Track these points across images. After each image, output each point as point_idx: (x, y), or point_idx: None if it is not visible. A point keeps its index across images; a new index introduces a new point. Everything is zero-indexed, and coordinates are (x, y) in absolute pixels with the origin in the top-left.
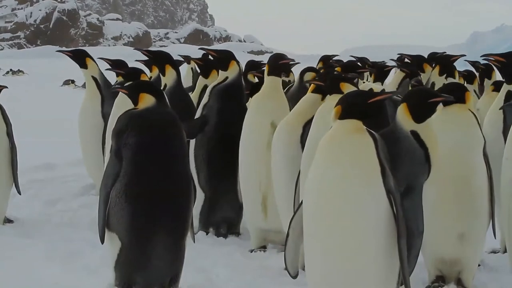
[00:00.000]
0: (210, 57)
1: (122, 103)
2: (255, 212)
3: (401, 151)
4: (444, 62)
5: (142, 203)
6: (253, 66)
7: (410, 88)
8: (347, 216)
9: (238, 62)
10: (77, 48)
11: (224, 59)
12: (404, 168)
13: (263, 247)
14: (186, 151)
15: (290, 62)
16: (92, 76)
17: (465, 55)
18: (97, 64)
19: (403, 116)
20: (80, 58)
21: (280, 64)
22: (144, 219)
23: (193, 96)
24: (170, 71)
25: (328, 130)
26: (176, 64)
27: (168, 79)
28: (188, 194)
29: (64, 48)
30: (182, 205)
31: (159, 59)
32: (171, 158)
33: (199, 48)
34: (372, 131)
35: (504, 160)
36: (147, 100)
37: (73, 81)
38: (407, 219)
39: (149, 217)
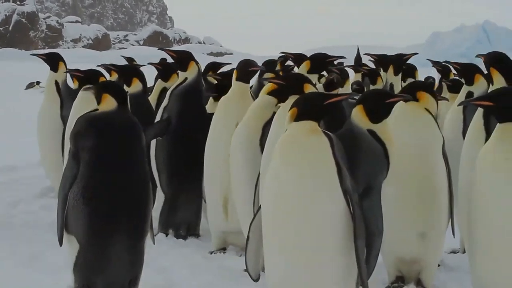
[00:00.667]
0: (171, 59)
1: (80, 106)
2: (217, 214)
3: (360, 150)
4: (397, 62)
5: (99, 205)
6: (212, 67)
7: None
8: (304, 217)
9: (197, 63)
10: (52, 51)
11: (183, 59)
12: (364, 167)
13: (223, 249)
14: (145, 152)
15: (260, 70)
16: (55, 80)
17: (417, 53)
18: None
19: (359, 117)
20: (54, 61)
21: (249, 71)
22: (101, 221)
23: (151, 98)
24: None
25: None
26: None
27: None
28: (146, 196)
29: (24, 51)
30: (140, 207)
31: (128, 73)
32: (128, 160)
33: (158, 49)
34: (328, 132)
35: (462, 161)
36: (109, 103)
37: (38, 83)
38: (366, 219)
39: (106, 219)
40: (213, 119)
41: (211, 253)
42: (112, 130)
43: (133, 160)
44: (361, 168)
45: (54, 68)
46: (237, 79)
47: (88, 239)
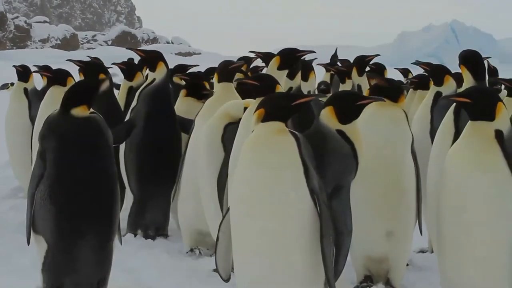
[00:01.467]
0: (138, 59)
1: (48, 106)
2: (196, 214)
3: (329, 149)
4: (360, 63)
5: (65, 205)
6: (179, 69)
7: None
8: (271, 217)
9: (166, 63)
10: (23, 64)
11: (152, 59)
12: (333, 166)
13: (196, 248)
14: (112, 152)
15: (238, 65)
16: (24, 87)
17: (379, 55)
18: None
19: (328, 118)
20: (26, 74)
21: (230, 70)
22: (67, 221)
23: (119, 98)
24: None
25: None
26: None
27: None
28: (113, 196)
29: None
30: (106, 207)
31: (93, 70)
32: (94, 160)
33: (126, 48)
34: (295, 132)
35: (431, 160)
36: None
37: (12, 84)
38: (336, 219)
39: (72, 219)
40: (198, 120)
41: (187, 253)
42: (77, 130)
43: (99, 160)
44: (330, 167)
45: (25, 79)
46: (219, 81)
47: (55, 239)
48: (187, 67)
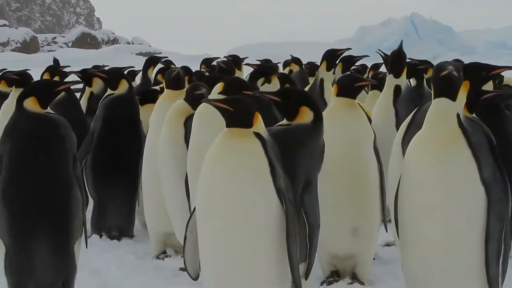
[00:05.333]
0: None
1: (7, 111)
2: (160, 216)
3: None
4: (330, 57)
5: (18, 208)
6: (152, 61)
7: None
8: (238, 217)
9: (128, 79)
10: None
11: (114, 79)
12: (305, 161)
13: (164, 252)
14: (69, 154)
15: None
16: None
17: (351, 49)
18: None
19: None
20: None
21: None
22: (21, 224)
23: (81, 103)
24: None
25: (207, 130)
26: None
27: None
28: (69, 198)
29: None
30: (61, 209)
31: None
32: (47, 163)
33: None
34: (261, 133)
35: (391, 156)
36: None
37: None
38: (307, 214)
39: (26, 221)
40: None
41: (157, 258)
42: (29, 132)
43: (53, 162)
44: (303, 163)
45: None
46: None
47: (11, 241)
48: (159, 59)
